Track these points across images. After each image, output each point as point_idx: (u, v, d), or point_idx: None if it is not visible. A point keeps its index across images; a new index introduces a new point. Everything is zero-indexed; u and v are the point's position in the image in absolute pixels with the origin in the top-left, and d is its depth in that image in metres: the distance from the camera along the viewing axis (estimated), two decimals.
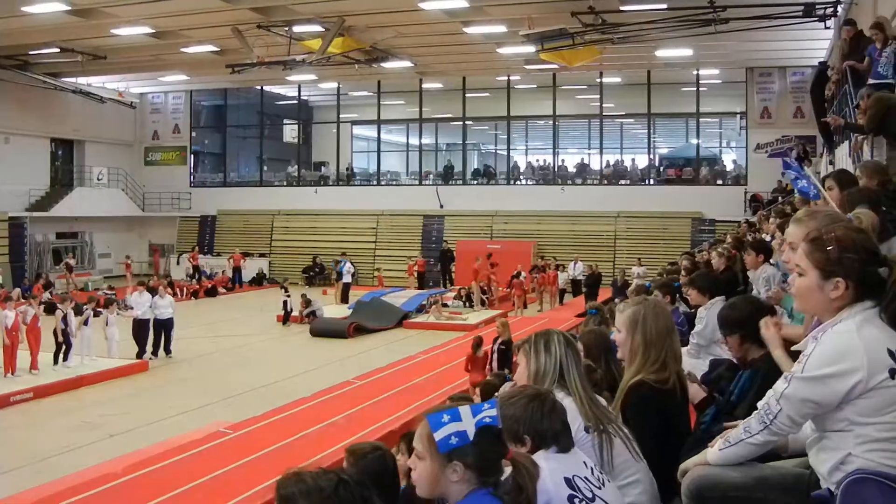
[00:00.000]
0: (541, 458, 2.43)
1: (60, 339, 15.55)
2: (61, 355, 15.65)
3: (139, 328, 17.24)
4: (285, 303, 22.82)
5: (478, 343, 12.64)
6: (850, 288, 2.24)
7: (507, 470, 2.12)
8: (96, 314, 16.99)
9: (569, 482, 2.44)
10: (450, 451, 2.03)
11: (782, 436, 2.41)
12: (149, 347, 17.30)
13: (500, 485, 2.09)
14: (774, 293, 5.29)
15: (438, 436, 2.01)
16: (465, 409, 2.03)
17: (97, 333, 16.57)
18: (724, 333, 3.80)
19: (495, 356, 12.37)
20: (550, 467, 2.28)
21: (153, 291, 18.00)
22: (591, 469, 2.60)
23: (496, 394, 4.53)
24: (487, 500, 2.07)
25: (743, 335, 3.64)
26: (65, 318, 15.59)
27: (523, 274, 24.92)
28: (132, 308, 17.50)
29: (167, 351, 17.61)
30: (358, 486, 1.89)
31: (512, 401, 2.61)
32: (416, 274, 29.34)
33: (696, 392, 3.65)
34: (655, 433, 3.23)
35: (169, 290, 19.21)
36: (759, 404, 2.39)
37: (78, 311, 16.44)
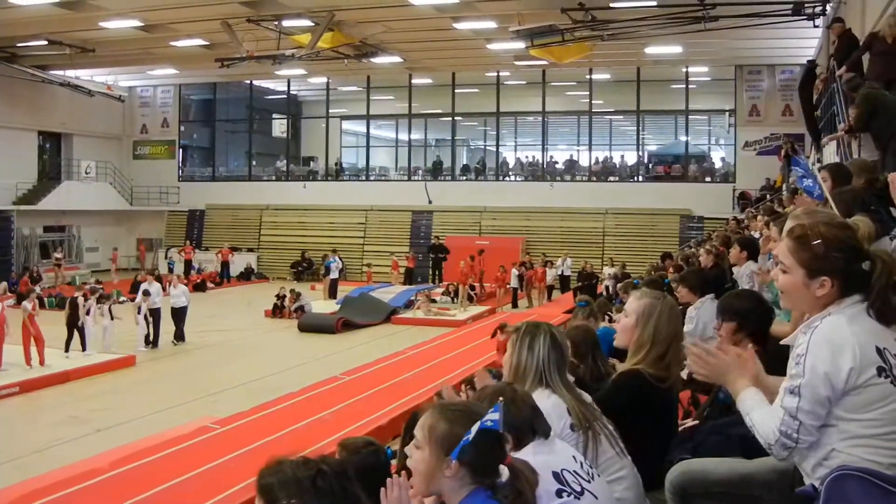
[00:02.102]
0: (529, 453, 2.45)
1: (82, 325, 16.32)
2: (82, 345, 16.35)
3: (153, 317, 17.95)
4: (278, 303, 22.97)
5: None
6: (836, 286, 2.24)
7: (505, 477, 2.11)
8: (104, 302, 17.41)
9: (557, 476, 2.45)
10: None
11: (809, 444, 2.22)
12: (163, 336, 18.11)
13: (499, 489, 2.09)
14: (759, 276, 5.24)
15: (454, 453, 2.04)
16: (476, 425, 2.04)
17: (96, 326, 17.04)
18: (722, 319, 3.76)
19: None
20: (538, 462, 2.28)
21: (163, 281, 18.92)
22: (581, 463, 2.61)
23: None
24: None
25: (740, 324, 3.65)
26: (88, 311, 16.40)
27: (515, 271, 25.06)
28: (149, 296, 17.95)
29: (179, 338, 18.51)
30: (337, 476, 1.88)
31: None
32: (401, 270, 29.31)
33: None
34: (622, 413, 3.24)
35: (164, 280, 19.63)
36: (771, 431, 2.22)
37: (73, 303, 16.60)
